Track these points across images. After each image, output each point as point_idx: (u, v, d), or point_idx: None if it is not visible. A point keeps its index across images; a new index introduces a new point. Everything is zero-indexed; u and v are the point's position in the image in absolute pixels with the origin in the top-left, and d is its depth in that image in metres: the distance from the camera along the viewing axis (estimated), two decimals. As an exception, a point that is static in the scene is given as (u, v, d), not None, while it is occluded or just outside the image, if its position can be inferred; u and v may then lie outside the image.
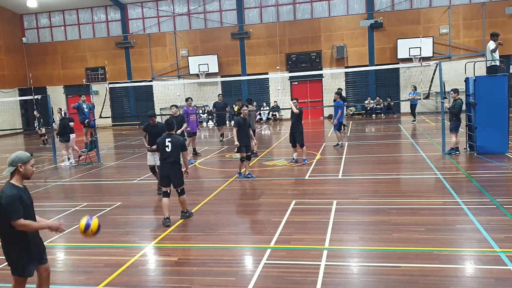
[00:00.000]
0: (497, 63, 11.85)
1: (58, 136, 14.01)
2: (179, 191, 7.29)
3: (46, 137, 20.65)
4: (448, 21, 24.72)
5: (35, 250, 4.18)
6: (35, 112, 21.25)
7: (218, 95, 19.02)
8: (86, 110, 15.11)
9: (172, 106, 12.49)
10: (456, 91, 11.95)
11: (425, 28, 24.90)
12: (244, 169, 10.53)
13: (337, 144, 14.34)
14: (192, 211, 7.91)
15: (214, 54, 27.00)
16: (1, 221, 3.93)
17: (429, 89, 13.49)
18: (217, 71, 27.00)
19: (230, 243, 6.40)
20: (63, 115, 14.60)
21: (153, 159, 9.26)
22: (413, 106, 21.07)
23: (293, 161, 12.04)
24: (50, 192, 10.61)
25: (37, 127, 20.52)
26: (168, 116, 13.18)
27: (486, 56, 12.23)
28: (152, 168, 9.58)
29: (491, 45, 11.79)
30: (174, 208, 8.32)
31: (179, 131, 11.27)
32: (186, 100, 14.39)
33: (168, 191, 7.32)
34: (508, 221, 6.48)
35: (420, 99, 19.17)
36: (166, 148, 7.19)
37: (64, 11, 29.48)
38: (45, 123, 19.85)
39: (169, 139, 7.22)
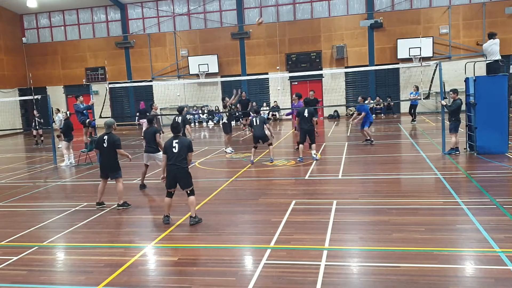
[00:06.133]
0: (497, 58, 11.85)
1: (63, 136, 14.12)
2: (188, 192, 7.22)
3: (42, 138, 20.62)
4: (448, 21, 24.72)
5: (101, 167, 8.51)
6: (35, 112, 21.22)
7: (242, 93, 21.17)
8: (84, 111, 15.07)
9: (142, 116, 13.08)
10: (455, 91, 11.95)
11: (425, 28, 24.90)
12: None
13: (369, 140, 14.62)
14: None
15: (214, 54, 27.01)
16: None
17: (429, 89, 13.49)
18: (217, 71, 27.00)
19: (230, 243, 6.39)
20: (68, 115, 14.66)
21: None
22: (413, 106, 21.06)
23: (314, 159, 12.26)
24: (50, 192, 10.61)
25: (37, 127, 20.49)
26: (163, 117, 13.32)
27: (491, 52, 12.17)
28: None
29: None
30: (175, 208, 8.32)
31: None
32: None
33: (172, 192, 7.30)
34: (508, 221, 6.48)
35: (420, 99, 19.16)
36: (173, 149, 7.17)
37: (64, 11, 29.48)
38: (45, 124, 19.85)
39: (176, 141, 7.22)
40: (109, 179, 8.61)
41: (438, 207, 7.39)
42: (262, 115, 12.63)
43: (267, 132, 12.45)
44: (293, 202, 8.10)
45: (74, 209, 8.62)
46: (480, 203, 7.42)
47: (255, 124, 12.41)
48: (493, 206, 7.17)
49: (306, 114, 12.17)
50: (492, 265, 5.07)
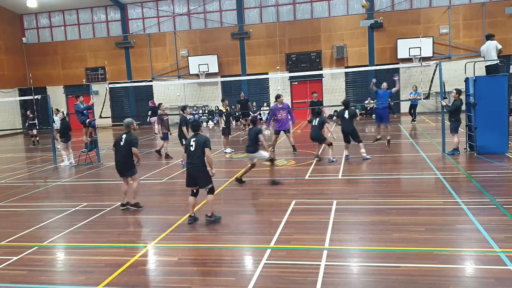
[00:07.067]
0: (498, 61, 11.89)
1: (59, 136, 14.10)
2: (207, 190, 7.21)
3: (37, 138, 20.67)
4: (448, 21, 24.72)
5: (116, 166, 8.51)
6: (28, 112, 21.16)
7: (240, 93, 22.82)
8: (84, 111, 15.03)
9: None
10: (458, 91, 11.92)
11: (425, 28, 24.90)
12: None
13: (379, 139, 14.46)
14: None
15: (214, 54, 27.01)
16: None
17: (429, 89, 13.48)
18: (217, 71, 27.01)
19: (230, 243, 6.40)
20: (64, 115, 14.65)
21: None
22: (413, 106, 21.06)
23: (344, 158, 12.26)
24: (50, 192, 10.62)
25: (36, 127, 20.46)
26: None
27: (489, 55, 12.16)
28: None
29: (498, 44, 11.87)
30: (175, 207, 8.32)
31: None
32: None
33: (194, 190, 7.31)
34: (508, 221, 6.48)
35: (420, 99, 19.20)
36: (191, 147, 7.20)
37: (64, 11, 29.49)
38: (44, 124, 19.85)
39: (194, 139, 7.23)
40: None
41: (438, 207, 7.39)
42: (322, 116, 12.32)
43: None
44: (293, 202, 8.10)
45: (74, 209, 8.62)
46: (480, 203, 7.42)
47: (313, 123, 12.28)
48: (493, 206, 7.17)
49: (346, 115, 12.04)
50: (492, 265, 5.07)
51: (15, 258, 6.14)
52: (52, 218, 8.11)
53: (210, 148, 7.25)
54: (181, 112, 13.00)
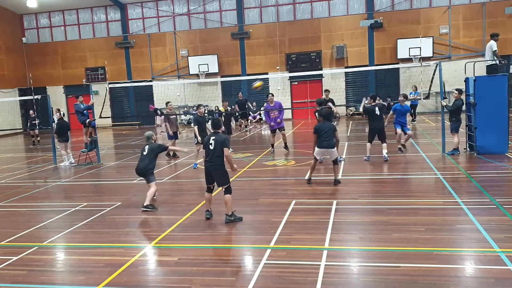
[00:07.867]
0: (497, 62, 11.88)
1: (57, 136, 14.08)
2: (223, 190, 7.25)
3: (38, 138, 20.70)
4: (448, 21, 24.73)
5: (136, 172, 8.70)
6: (31, 112, 21.17)
7: (239, 93, 22.79)
8: (84, 111, 15.00)
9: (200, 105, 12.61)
10: (460, 91, 11.89)
11: (425, 28, 24.91)
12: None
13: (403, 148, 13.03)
14: (192, 211, 7.91)
15: (214, 54, 27.02)
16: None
17: (429, 89, 13.49)
18: (217, 71, 27.01)
19: (230, 243, 6.39)
20: (61, 115, 14.63)
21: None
22: (413, 106, 21.06)
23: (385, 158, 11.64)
24: (50, 192, 10.61)
25: (36, 127, 20.46)
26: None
27: (486, 55, 12.23)
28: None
29: (494, 45, 11.82)
30: (174, 207, 8.32)
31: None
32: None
33: (211, 187, 7.39)
34: (508, 221, 6.47)
35: (420, 99, 19.21)
36: (210, 146, 7.21)
37: (64, 11, 29.49)
38: (44, 124, 19.86)
39: (214, 137, 7.24)
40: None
41: (438, 207, 7.39)
42: (326, 107, 11.44)
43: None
44: (293, 202, 8.10)
45: (74, 209, 8.62)
46: (480, 203, 7.42)
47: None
48: (493, 206, 7.17)
49: (377, 112, 11.47)
50: (492, 265, 5.07)
51: (15, 258, 6.13)
52: (52, 218, 8.11)
53: (229, 148, 7.27)
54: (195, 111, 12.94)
